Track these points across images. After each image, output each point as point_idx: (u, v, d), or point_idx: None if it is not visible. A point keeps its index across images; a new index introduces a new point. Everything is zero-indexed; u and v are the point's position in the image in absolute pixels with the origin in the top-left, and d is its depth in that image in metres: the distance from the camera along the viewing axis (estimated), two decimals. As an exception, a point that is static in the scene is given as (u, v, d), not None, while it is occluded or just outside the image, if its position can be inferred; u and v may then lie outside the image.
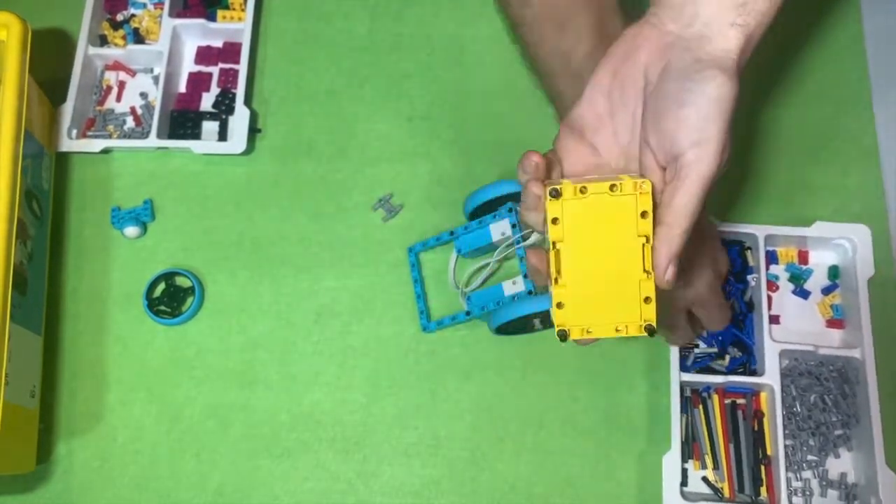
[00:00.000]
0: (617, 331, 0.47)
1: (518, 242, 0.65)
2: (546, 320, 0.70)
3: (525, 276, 0.69)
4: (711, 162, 0.45)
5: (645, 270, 0.47)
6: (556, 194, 0.46)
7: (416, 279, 0.73)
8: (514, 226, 0.69)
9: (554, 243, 0.47)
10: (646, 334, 0.47)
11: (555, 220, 0.46)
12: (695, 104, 0.45)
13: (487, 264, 0.69)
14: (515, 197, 0.68)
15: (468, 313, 0.70)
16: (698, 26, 0.46)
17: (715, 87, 0.44)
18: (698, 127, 0.44)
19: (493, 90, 0.80)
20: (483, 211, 0.72)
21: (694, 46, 0.46)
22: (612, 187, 0.46)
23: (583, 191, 0.46)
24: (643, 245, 0.46)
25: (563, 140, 0.51)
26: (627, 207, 0.46)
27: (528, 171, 0.48)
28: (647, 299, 0.47)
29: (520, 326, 0.70)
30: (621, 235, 0.46)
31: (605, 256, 0.47)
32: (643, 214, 0.46)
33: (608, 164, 0.50)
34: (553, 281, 0.47)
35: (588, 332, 0.48)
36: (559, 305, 0.47)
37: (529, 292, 0.68)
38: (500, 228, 0.70)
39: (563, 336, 0.48)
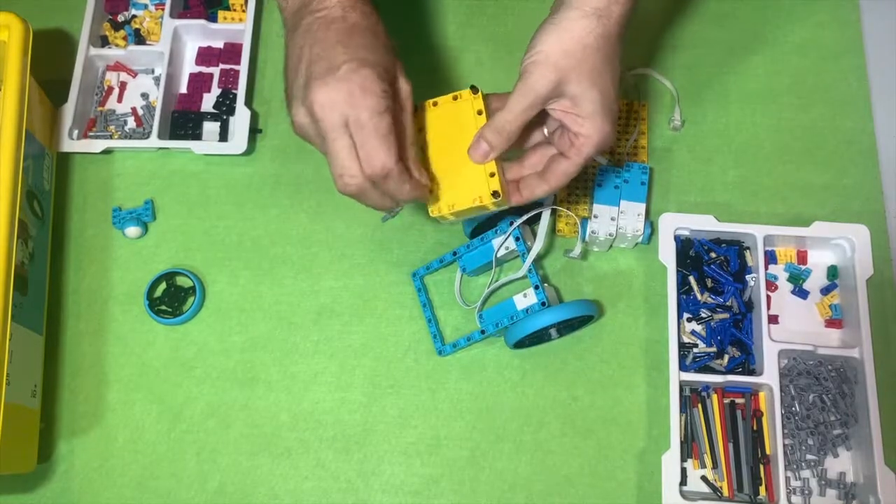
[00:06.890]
0: (474, 201, 0.59)
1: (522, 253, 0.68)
2: (562, 329, 0.71)
3: (536, 288, 0.67)
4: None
5: None
6: (417, 108, 0.59)
7: (425, 303, 0.72)
8: (516, 239, 0.68)
9: (422, 147, 0.60)
10: (495, 199, 0.58)
11: (420, 129, 0.60)
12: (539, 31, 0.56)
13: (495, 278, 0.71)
14: (515, 210, 0.66)
15: (483, 332, 0.68)
16: None
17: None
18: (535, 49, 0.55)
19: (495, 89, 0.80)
20: (484, 228, 0.71)
21: None
22: (454, 97, 0.60)
23: (435, 104, 0.60)
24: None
25: None
26: (467, 109, 0.60)
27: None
28: (491, 174, 0.59)
29: (536, 339, 0.70)
30: (467, 131, 0.59)
31: (459, 149, 0.59)
32: (479, 112, 0.59)
33: None
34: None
35: (453, 206, 0.59)
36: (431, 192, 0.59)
37: (542, 304, 0.66)
38: (501, 243, 0.69)
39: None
